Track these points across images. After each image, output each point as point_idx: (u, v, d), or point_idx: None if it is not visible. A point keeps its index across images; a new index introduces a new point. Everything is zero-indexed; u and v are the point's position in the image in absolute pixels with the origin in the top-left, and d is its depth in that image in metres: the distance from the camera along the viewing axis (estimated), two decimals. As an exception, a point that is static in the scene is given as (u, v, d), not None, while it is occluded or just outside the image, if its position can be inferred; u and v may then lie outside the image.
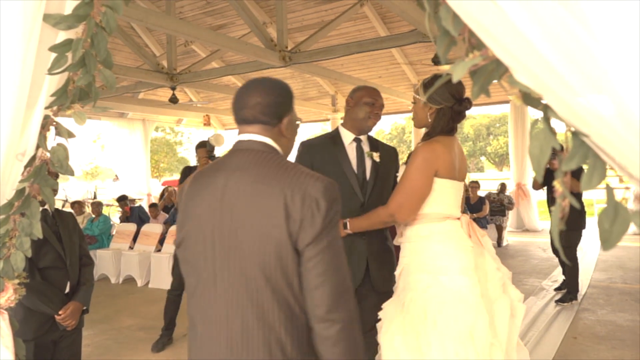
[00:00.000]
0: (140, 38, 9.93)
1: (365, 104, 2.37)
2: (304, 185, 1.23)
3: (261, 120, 1.34)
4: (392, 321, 1.98)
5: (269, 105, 1.35)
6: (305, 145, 2.47)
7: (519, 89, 0.80)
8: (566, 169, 0.76)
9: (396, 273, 2.13)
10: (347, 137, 2.42)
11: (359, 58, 10.21)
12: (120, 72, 7.37)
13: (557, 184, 0.77)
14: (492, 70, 0.81)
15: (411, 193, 2.02)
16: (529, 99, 0.80)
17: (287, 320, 1.22)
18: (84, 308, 2.59)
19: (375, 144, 2.48)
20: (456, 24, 0.82)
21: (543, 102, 0.79)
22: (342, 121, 2.46)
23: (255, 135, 1.35)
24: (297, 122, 1.47)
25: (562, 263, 5.47)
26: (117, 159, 12.11)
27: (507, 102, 11.92)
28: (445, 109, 2.07)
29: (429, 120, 2.10)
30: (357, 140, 2.42)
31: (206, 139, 3.92)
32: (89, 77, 1.36)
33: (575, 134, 0.76)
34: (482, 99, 12.01)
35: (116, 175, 14.81)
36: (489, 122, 51.37)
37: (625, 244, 8.70)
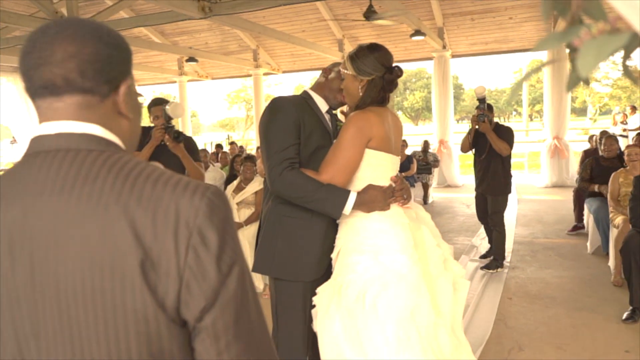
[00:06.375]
0: (33, -19, 8.70)
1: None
2: (173, 204, 0.70)
3: (80, 87, 0.74)
4: (328, 306, 1.87)
5: (95, 59, 0.74)
6: (284, 101, 2.00)
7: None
8: None
9: (332, 256, 1.99)
10: (322, 105, 2.10)
11: (282, 11, 9.69)
12: (11, 21, 6.39)
13: None
14: (616, 45, 0.53)
15: (344, 165, 1.92)
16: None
17: None
18: None
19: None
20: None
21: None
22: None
23: (69, 123, 0.74)
24: (140, 98, 0.83)
25: (488, 230, 5.36)
26: (14, 119, 10.92)
27: (424, 59, 11.96)
28: (376, 79, 1.98)
29: (360, 93, 2.00)
30: (329, 112, 2.14)
31: (161, 99, 3.33)
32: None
33: None
34: (402, 56, 11.97)
35: (13, 137, 13.34)
36: (406, 77, 52.38)
37: (540, 197, 9.17)
